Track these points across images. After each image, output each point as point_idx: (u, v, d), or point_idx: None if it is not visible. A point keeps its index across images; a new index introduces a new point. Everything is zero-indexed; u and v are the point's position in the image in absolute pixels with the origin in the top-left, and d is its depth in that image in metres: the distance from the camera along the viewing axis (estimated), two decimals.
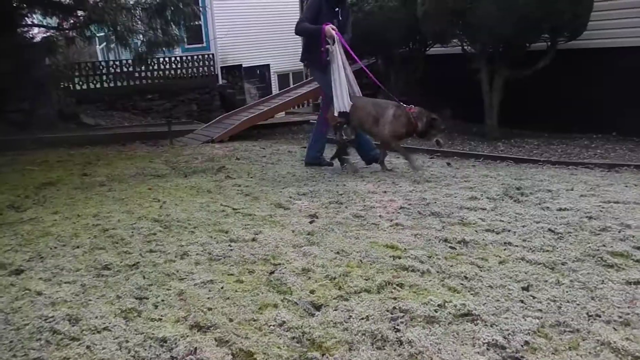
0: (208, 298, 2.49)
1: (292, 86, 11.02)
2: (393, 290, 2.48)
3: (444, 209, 3.70)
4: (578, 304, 2.28)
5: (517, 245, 2.97)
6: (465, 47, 7.51)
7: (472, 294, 2.41)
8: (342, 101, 5.14)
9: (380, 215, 3.66)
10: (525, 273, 2.61)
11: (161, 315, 2.32)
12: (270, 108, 9.15)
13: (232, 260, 2.96)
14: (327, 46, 5.04)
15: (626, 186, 4.13)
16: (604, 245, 2.88)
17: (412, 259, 2.83)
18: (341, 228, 3.43)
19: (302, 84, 10.43)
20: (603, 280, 2.49)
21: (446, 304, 2.30)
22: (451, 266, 2.73)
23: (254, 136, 8.49)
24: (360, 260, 2.85)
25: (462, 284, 2.52)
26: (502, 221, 3.38)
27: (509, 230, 3.21)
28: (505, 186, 4.23)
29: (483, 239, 3.09)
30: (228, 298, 2.47)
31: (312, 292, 2.51)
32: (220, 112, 12.32)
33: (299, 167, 5.61)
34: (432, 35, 7.67)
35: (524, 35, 6.81)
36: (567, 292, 2.40)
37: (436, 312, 2.24)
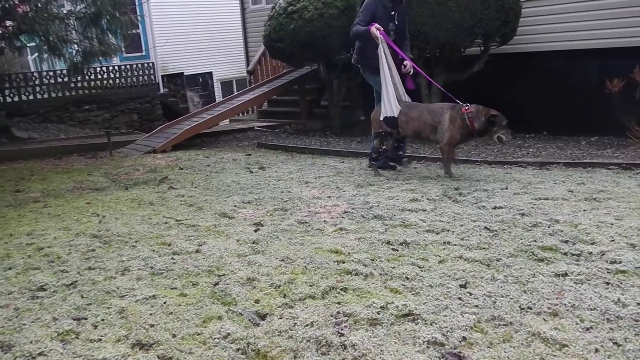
0: (150, 314, 2.44)
1: (235, 93, 10.92)
2: (337, 295, 2.52)
3: (386, 211, 3.79)
4: (511, 298, 2.39)
5: (455, 244, 3.08)
6: None
7: (413, 294, 2.49)
8: (389, 106, 4.93)
9: (324, 221, 3.71)
10: (463, 271, 2.72)
11: (101, 336, 2.25)
12: (214, 116, 9.04)
13: (175, 273, 2.91)
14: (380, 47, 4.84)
15: (555, 183, 4.37)
16: (535, 241, 3.04)
17: (355, 262, 2.89)
18: (286, 235, 3.45)
19: (246, 90, 10.36)
20: (534, 274, 2.63)
21: (388, 306, 2.35)
22: (393, 268, 2.80)
23: (197, 145, 8.36)
24: (305, 267, 2.88)
25: (403, 284, 2.59)
26: (442, 221, 3.50)
27: (448, 230, 3.33)
28: (445, 187, 4.38)
29: (424, 240, 3.19)
30: (171, 313, 2.43)
31: (257, 301, 2.51)
32: (162, 121, 12.04)
33: (244, 175, 5.58)
34: None
35: (459, 41, 7.07)
36: (501, 287, 2.51)
37: (379, 314, 2.29)
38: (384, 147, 5.15)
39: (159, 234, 3.63)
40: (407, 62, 5.07)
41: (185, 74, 16.42)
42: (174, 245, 3.37)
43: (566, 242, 3.00)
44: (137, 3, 14.07)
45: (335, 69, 8.64)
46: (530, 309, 2.29)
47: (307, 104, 9.94)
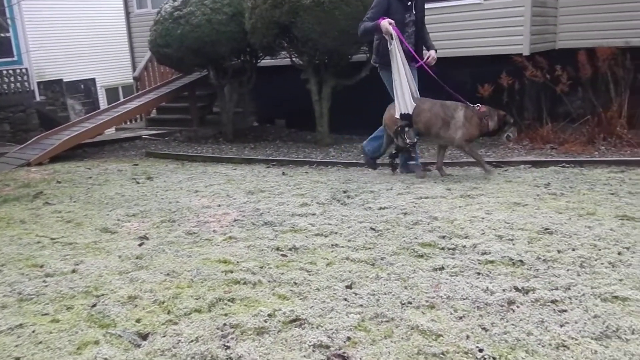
0: (16, 346, 2.21)
1: (121, 100, 10.37)
2: (224, 307, 2.46)
3: (276, 217, 3.79)
4: (393, 295, 2.49)
5: (343, 246, 3.16)
6: (294, 59, 7.80)
7: (300, 299, 2.50)
8: (404, 102, 4.78)
9: (214, 230, 3.62)
10: (350, 272, 2.78)
11: None
12: (97, 124, 8.49)
13: (46, 297, 2.67)
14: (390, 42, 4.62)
15: (435, 182, 4.65)
16: (416, 238, 3.20)
17: (244, 271, 2.85)
18: (173, 247, 3.32)
19: (133, 97, 9.87)
20: (414, 270, 2.76)
21: (276, 313, 2.34)
22: (282, 274, 2.80)
23: (79, 156, 7.80)
24: (192, 280, 2.78)
25: (291, 290, 2.60)
26: (330, 224, 3.57)
27: (336, 233, 3.40)
28: (334, 190, 4.47)
29: (312, 244, 3.23)
30: (40, 342, 2.23)
31: (138, 320, 2.38)
32: (39, 131, 11.09)
33: (129, 186, 5.30)
34: (261, 48, 7.82)
35: (346, 48, 7.29)
36: (384, 284, 2.61)
37: (266, 322, 2.27)
38: (408, 141, 4.92)
39: (30, 255, 3.32)
40: (432, 52, 4.96)
41: (64, 80, 15.29)
42: (47, 266, 3.10)
43: (443, 237, 3.19)
44: (5, 4, 12.89)
45: (226, 74, 8.53)
46: (410, 303, 2.40)
47: (198, 110, 9.71)
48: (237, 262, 2.99)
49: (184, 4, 7.96)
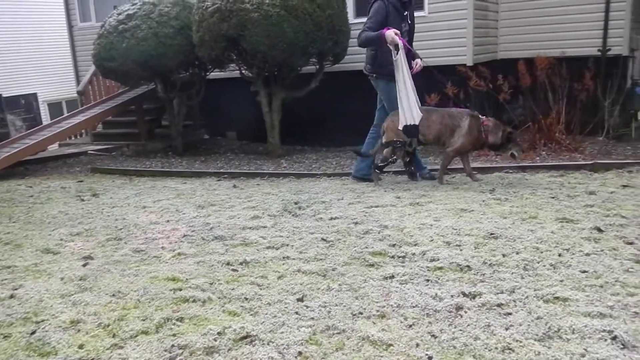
0: None
1: (65, 115, 10.01)
2: (173, 327, 2.39)
3: (227, 231, 3.73)
4: (345, 306, 2.49)
5: (294, 258, 3.14)
6: (243, 71, 7.76)
7: (251, 315, 2.46)
8: (410, 114, 4.67)
9: (162, 247, 3.53)
10: (301, 284, 2.77)
11: None
12: (39, 140, 8.14)
13: None
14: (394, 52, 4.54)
15: (385, 191, 4.71)
16: (367, 247, 3.22)
17: (193, 288, 2.78)
18: (119, 267, 3.20)
19: (77, 112, 9.52)
20: (365, 280, 2.77)
21: (226, 330, 2.30)
22: (232, 289, 2.75)
23: (19, 174, 7.44)
24: (139, 300, 2.69)
25: (242, 306, 2.56)
26: (282, 236, 3.55)
27: (288, 245, 3.38)
28: (285, 202, 4.46)
29: (264, 257, 3.19)
30: None
31: (81, 346, 2.27)
32: None
33: (74, 204, 5.09)
34: (209, 61, 7.74)
35: (295, 60, 7.32)
36: (336, 295, 2.61)
37: (216, 340, 2.22)
38: (395, 157, 4.94)
39: None
40: (418, 61, 4.89)
41: (4, 95, 14.63)
42: None
43: (393, 245, 3.23)
44: None
45: (174, 88, 8.40)
46: (362, 313, 2.41)
47: (147, 124, 9.48)
48: (187, 279, 2.92)
49: (129, 17, 7.80)
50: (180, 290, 2.77)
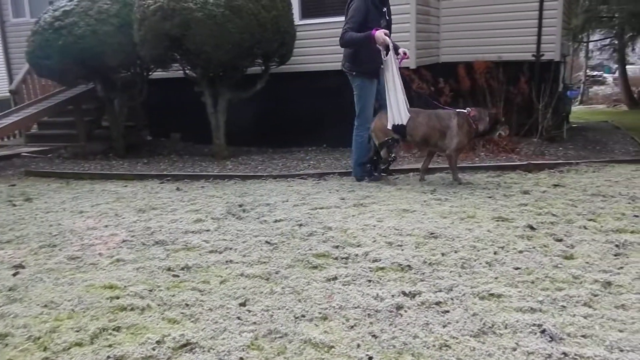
0: None
1: None
2: (109, 337, 2.31)
3: (168, 235, 3.65)
4: (287, 309, 2.49)
5: (237, 262, 3.11)
6: (187, 72, 7.61)
7: (192, 322, 2.41)
8: (398, 113, 4.67)
9: (99, 253, 3.40)
10: (244, 288, 2.74)
11: None
12: None
13: None
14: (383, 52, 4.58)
15: (330, 192, 4.75)
16: (311, 249, 3.23)
17: (131, 296, 2.70)
18: (52, 275, 3.06)
19: (9, 112, 9.03)
20: (309, 282, 2.78)
21: (165, 339, 2.24)
22: (173, 296, 2.69)
23: None
24: (73, 310, 2.58)
25: (182, 312, 2.50)
26: (225, 240, 3.50)
27: (231, 248, 3.34)
28: (229, 204, 4.40)
29: (206, 261, 3.14)
30: None
31: None
32: None
33: (4, 209, 4.83)
34: (151, 60, 7.54)
35: (240, 61, 7.25)
36: (279, 299, 2.60)
37: (154, 350, 2.16)
38: (393, 155, 4.94)
39: None
40: (404, 50, 4.96)
41: None
42: None
43: (337, 247, 3.25)
44: None
45: (114, 87, 8.12)
46: (304, 316, 2.41)
47: (86, 125, 9.11)
48: (125, 286, 2.83)
49: (65, 14, 7.47)
50: (118, 298, 2.68)
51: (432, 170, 5.49)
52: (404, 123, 4.77)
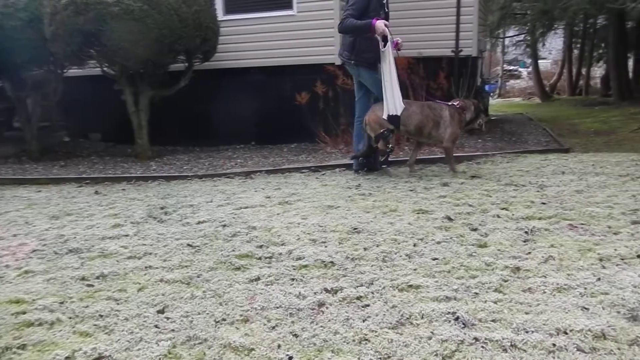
0: None
1: None
2: (13, 356, 2.16)
3: (84, 243, 3.47)
4: (208, 313, 2.43)
5: (157, 267, 3.00)
6: (105, 69, 7.28)
7: (106, 333, 2.30)
8: (393, 104, 4.72)
9: (6, 265, 3.18)
10: (163, 294, 2.65)
11: None
12: None
13: None
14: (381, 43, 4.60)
15: (256, 191, 4.70)
16: (234, 250, 3.18)
17: (40, 310, 2.53)
18: None
19: None
20: (231, 284, 2.73)
21: (75, 354, 2.12)
22: (86, 307, 2.56)
23: None
24: None
25: (95, 324, 2.38)
26: (145, 244, 3.38)
27: (151, 253, 3.23)
28: (151, 207, 4.26)
29: (124, 268, 3.01)
30: None
31: None
32: None
33: None
34: (65, 57, 7.14)
35: (161, 57, 7.02)
36: (199, 303, 2.54)
37: None
38: (391, 145, 4.94)
39: None
40: (398, 39, 4.92)
41: None
42: None
43: (261, 247, 3.23)
44: None
45: (25, 86, 7.63)
46: (225, 320, 2.37)
47: None
48: (33, 300, 2.66)
49: None
50: (24, 313, 2.51)
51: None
52: (399, 114, 4.84)
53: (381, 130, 4.89)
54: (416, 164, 5.35)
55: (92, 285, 2.82)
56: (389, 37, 4.70)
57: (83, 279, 2.90)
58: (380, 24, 4.66)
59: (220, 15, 7.93)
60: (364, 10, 4.79)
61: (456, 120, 4.95)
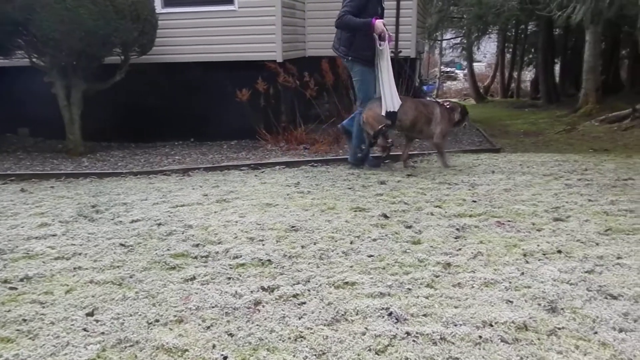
0: None
1: None
2: None
3: (6, 244, 3.28)
4: (140, 315, 2.37)
5: (87, 268, 2.89)
6: (34, 60, 6.91)
7: (29, 339, 2.19)
8: (391, 100, 4.86)
9: None
10: (93, 296, 2.56)
11: None
12: None
13: None
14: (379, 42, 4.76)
15: (193, 189, 4.62)
16: (169, 249, 3.11)
17: None
18: None
19: None
20: (165, 284, 2.68)
21: None
22: (8, 311, 2.42)
23: None
24: None
25: (18, 329, 2.27)
26: (74, 245, 3.24)
27: (80, 254, 3.10)
28: (81, 205, 4.09)
29: (50, 270, 2.88)
30: None
31: None
32: None
33: None
34: None
35: (95, 50, 6.75)
36: (131, 305, 2.47)
37: None
38: (390, 140, 4.99)
39: None
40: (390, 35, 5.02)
41: None
42: None
43: (197, 245, 3.17)
44: None
45: None
46: (158, 321, 2.32)
47: None
48: None
49: None
50: None
51: (297, 164, 5.58)
52: (396, 110, 4.97)
53: (380, 127, 4.98)
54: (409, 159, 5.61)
55: (16, 288, 2.68)
56: (386, 35, 4.88)
57: (5, 281, 2.75)
58: (379, 23, 4.80)
59: (159, 8, 7.72)
60: (362, 7, 4.89)
61: (446, 118, 5.18)
